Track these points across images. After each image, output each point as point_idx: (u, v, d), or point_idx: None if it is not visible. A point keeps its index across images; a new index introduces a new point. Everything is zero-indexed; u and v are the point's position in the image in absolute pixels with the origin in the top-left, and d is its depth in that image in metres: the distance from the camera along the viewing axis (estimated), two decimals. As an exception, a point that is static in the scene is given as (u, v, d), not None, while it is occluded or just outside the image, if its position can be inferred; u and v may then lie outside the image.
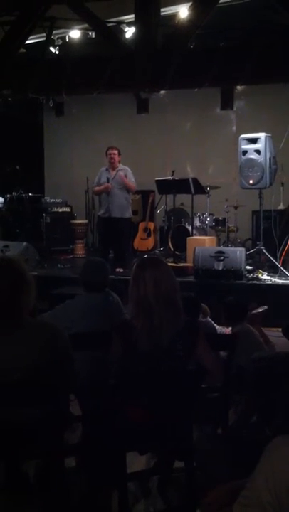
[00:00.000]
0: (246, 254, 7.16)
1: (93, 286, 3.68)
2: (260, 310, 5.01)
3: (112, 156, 7.78)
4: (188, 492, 2.59)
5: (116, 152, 7.81)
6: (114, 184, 7.72)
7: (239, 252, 6.98)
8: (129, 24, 8.39)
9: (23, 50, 8.57)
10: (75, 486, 2.81)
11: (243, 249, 7.23)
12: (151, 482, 2.98)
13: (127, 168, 7.89)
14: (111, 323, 3.01)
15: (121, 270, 7.53)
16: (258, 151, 7.29)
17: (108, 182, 7.71)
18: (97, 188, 7.98)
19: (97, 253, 8.11)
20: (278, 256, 7.19)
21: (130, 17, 8.21)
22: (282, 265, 7.10)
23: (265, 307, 5.01)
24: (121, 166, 7.87)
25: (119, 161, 7.88)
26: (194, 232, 8.39)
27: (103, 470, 2.74)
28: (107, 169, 7.87)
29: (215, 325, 4.53)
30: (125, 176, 7.80)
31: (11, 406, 2.42)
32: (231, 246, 8.04)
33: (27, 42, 8.40)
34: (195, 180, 8.05)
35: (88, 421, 3.05)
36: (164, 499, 2.93)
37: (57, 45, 9.15)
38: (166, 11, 8.16)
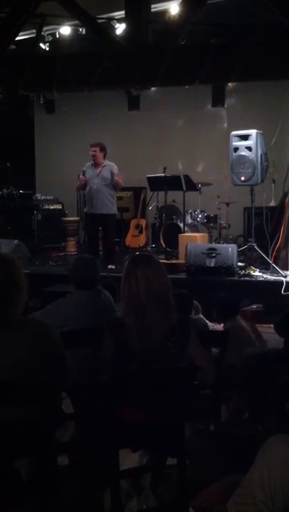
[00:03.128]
0: (238, 251, 7.17)
1: (83, 284, 3.66)
2: (254, 307, 5.00)
3: (93, 153, 7.65)
4: (181, 489, 2.60)
5: (96, 149, 7.64)
6: (99, 180, 7.61)
7: (231, 249, 6.99)
8: (119, 20, 8.37)
9: (13, 47, 8.53)
10: (67, 484, 2.80)
11: (234, 245, 7.24)
12: (143, 479, 2.98)
13: (113, 165, 7.71)
14: (103, 321, 3.01)
15: (113, 267, 7.52)
16: (249, 148, 7.29)
17: (93, 178, 7.63)
18: (78, 183, 7.91)
19: (88, 250, 8.08)
20: (270, 252, 7.20)
21: (121, 13, 8.19)
22: (274, 262, 7.11)
23: (260, 305, 5.00)
24: (106, 162, 7.72)
25: (104, 157, 7.74)
26: (186, 229, 8.39)
27: (96, 467, 2.74)
28: (92, 164, 7.76)
29: (207, 322, 4.54)
30: (112, 172, 7.66)
31: (2, 405, 2.41)
32: (223, 243, 8.05)
33: (17, 38, 8.37)
34: (186, 177, 8.04)
35: (81, 419, 3.05)
36: (157, 496, 2.94)
37: (47, 42, 9.14)
38: (156, 7, 8.16)
